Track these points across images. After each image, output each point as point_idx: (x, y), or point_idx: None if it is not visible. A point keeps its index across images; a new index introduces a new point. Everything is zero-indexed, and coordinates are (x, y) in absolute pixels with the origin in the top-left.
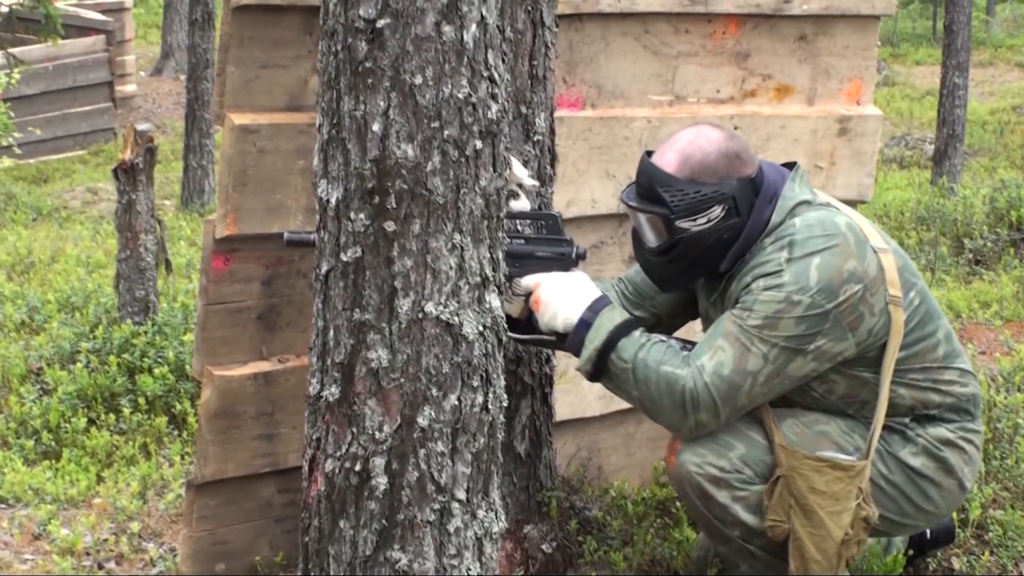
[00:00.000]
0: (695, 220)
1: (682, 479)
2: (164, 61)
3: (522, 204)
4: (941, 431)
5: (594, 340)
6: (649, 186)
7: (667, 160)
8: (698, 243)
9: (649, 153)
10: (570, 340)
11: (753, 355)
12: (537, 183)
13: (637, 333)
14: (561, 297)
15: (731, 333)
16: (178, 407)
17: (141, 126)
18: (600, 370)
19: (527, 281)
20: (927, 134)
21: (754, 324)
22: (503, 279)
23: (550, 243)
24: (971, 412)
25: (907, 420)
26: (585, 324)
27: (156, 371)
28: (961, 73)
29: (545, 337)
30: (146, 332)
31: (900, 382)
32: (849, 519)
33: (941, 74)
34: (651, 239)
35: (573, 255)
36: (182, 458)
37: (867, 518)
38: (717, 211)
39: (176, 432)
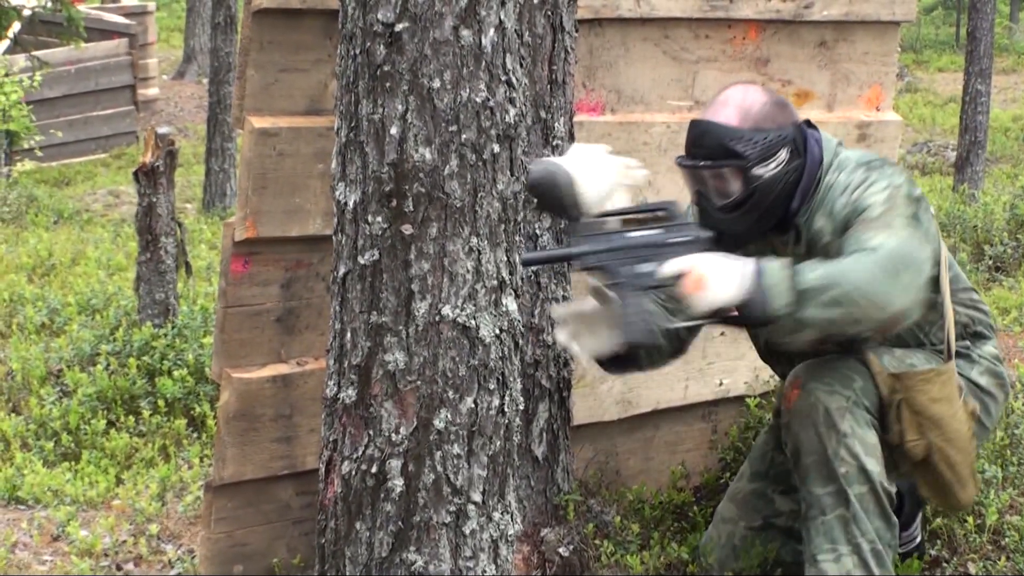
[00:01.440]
0: (767, 165)
1: (810, 408)
2: (186, 64)
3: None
4: (990, 348)
5: (777, 277)
6: (717, 143)
7: (727, 115)
8: (771, 188)
9: (692, 121)
10: (752, 298)
11: (897, 227)
12: (646, 173)
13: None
14: (722, 268)
15: (868, 228)
16: (197, 409)
17: (162, 129)
18: (800, 299)
19: (673, 267)
20: (949, 141)
21: (879, 212)
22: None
23: (678, 229)
24: (995, 328)
25: (967, 342)
26: (759, 273)
27: (175, 373)
28: (983, 80)
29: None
30: (166, 335)
31: (954, 300)
32: (965, 415)
33: (963, 81)
34: (725, 195)
35: (705, 236)
36: (201, 460)
37: (973, 411)
38: (783, 154)
39: (195, 434)
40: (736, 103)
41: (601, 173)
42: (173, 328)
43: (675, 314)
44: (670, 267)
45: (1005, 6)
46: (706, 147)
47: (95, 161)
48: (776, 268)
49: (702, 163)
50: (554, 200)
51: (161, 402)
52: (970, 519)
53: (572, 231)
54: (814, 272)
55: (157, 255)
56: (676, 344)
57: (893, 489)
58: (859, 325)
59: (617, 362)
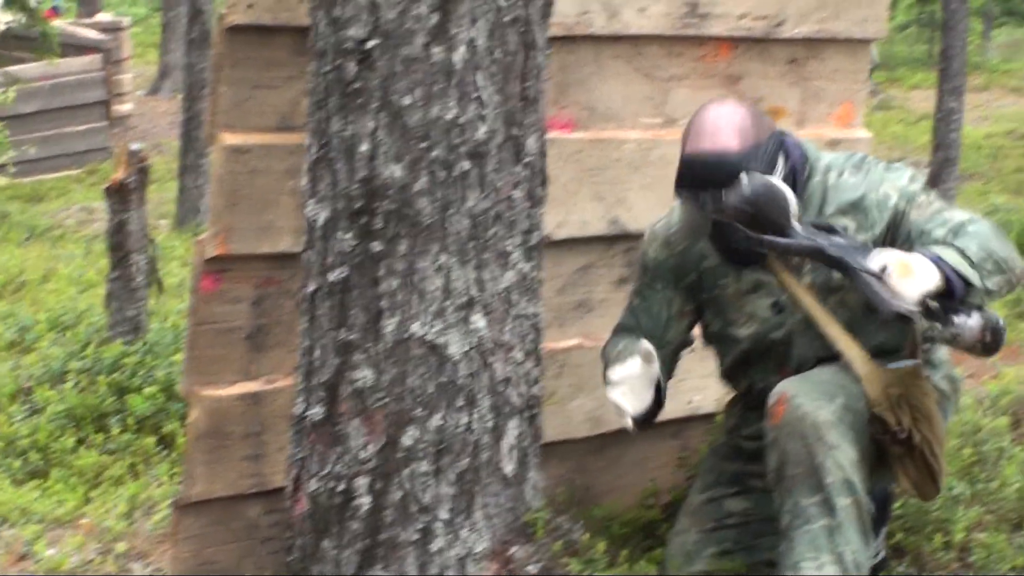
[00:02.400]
0: (774, 175)
1: (797, 420)
2: (161, 80)
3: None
4: (943, 352)
5: (954, 258)
6: (730, 171)
7: (727, 140)
8: None
9: (686, 155)
10: (952, 279)
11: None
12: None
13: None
14: (915, 258)
15: (941, 209)
16: (167, 427)
17: (134, 146)
18: (980, 272)
19: (879, 260)
20: (922, 158)
21: (932, 197)
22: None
23: (848, 237)
24: None
25: (927, 345)
26: (939, 258)
27: (146, 391)
28: (956, 97)
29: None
30: (136, 352)
31: None
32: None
33: (936, 98)
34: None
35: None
36: (170, 478)
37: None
38: (780, 160)
39: (165, 452)
40: (729, 126)
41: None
42: (144, 345)
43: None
44: (876, 260)
45: (978, 24)
46: (721, 178)
47: (69, 177)
48: (946, 251)
49: (724, 201)
50: (778, 210)
51: (131, 420)
52: (937, 536)
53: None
54: (968, 248)
55: (128, 272)
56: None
57: (872, 508)
58: (1009, 287)
59: (648, 419)
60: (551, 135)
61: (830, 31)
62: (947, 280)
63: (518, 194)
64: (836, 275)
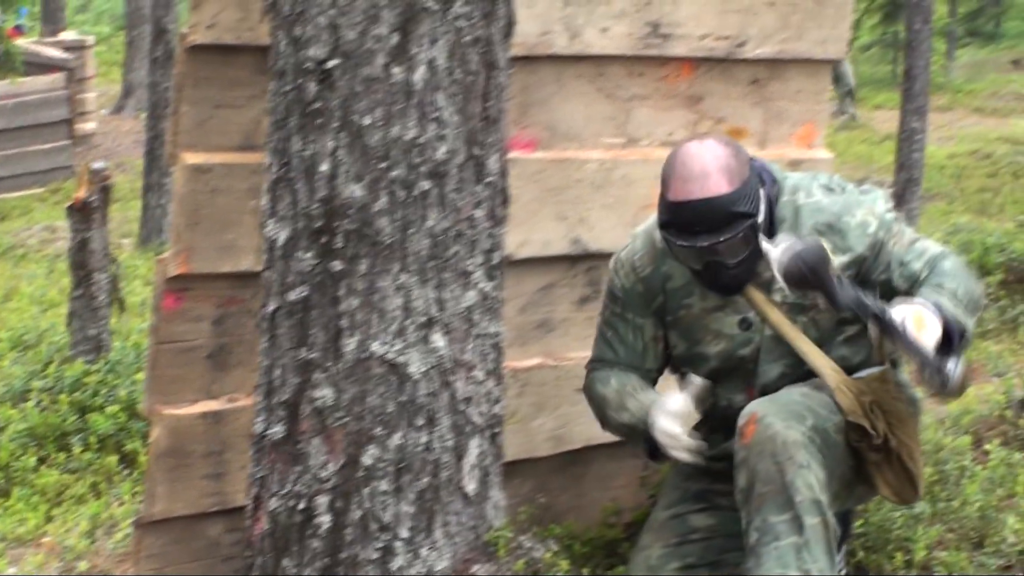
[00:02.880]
0: (760, 210)
1: (767, 440)
2: (125, 99)
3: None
4: (904, 373)
5: (949, 304)
6: (724, 214)
7: (718, 184)
8: (761, 228)
9: (675, 202)
10: (951, 326)
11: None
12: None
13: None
14: (921, 309)
15: (913, 240)
16: (129, 446)
17: (96, 164)
18: (965, 315)
19: (900, 314)
20: (886, 178)
21: (904, 226)
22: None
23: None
24: None
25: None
26: (938, 304)
27: (107, 410)
28: (919, 117)
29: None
30: (98, 371)
31: None
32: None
33: (900, 118)
34: (738, 254)
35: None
36: (132, 497)
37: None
38: (762, 193)
39: (127, 471)
40: (714, 168)
41: None
42: (106, 364)
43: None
44: (898, 314)
45: (941, 44)
46: (715, 221)
47: (32, 196)
48: (942, 298)
49: (723, 238)
50: (826, 269)
51: (93, 438)
52: (899, 554)
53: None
54: (957, 292)
55: (90, 291)
56: None
57: (837, 529)
58: (977, 321)
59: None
60: (513, 155)
61: (792, 52)
62: (946, 328)
63: (479, 214)
64: (809, 295)
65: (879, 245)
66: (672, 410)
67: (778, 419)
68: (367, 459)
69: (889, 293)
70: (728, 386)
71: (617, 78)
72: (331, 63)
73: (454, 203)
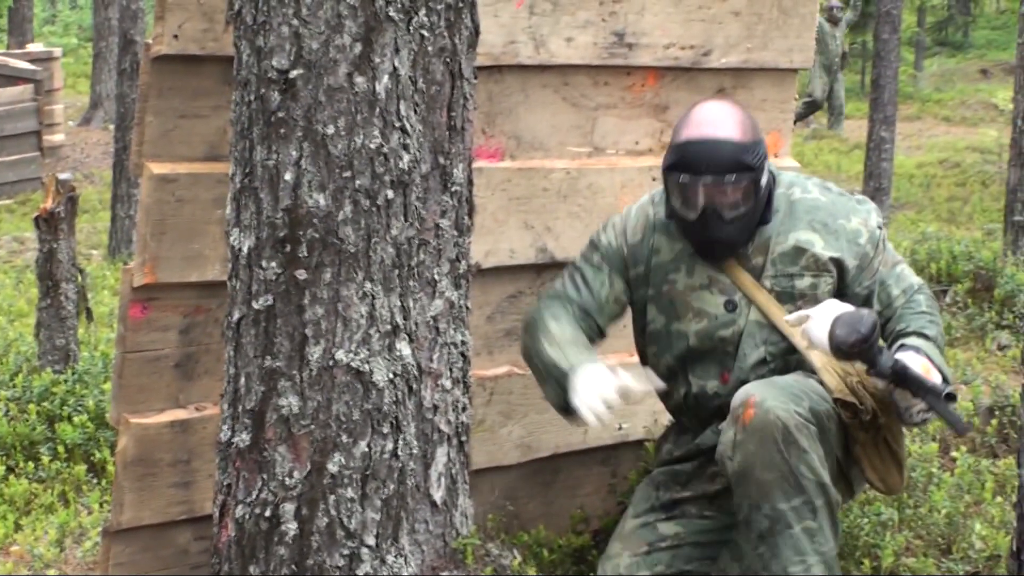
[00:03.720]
0: (764, 175)
1: (767, 424)
2: (93, 111)
3: None
4: None
5: (938, 358)
6: (732, 158)
7: (731, 130)
8: (763, 196)
9: (687, 140)
10: (944, 373)
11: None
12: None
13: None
14: (924, 360)
15: (897, 265)
16: (97, 455)
17: (63, 175)
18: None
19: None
20: (855, 187)
21: (890, 248)
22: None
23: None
24: None
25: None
26: (932, 359)
27: (76, 419)
28: (888, 127)
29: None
30: (66, 381)
31: None
32: None
33: (868, 128)
34: (735, 207)
35: None
36: (100, 506)
37: None
38: (767, 164)
39: (95, 480)
40: (732, 117)
41: None
42: (74, 374)
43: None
44: (914, 364)
45: (910, 54)
46: (723, 163)
47: (0, 207)
48: (932, 349)
49: (727, 177)
50: (877, 338)
51: (61, 448)
52: (866, 561)
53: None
54: (939, 338)
55: (58, 301)
56: None
57: (839, 499)
58: None
59: None
60: (479, 164)
61: (757, 61)
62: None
63: (445, 223)
64: (799, 284)
65: (866, 260)
66: (604, 371)
67: (778, 403)
68: (333, 467)
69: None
70: (703, 370)
71: (583, 87)
72: (294, 73)
73: (418, 212)
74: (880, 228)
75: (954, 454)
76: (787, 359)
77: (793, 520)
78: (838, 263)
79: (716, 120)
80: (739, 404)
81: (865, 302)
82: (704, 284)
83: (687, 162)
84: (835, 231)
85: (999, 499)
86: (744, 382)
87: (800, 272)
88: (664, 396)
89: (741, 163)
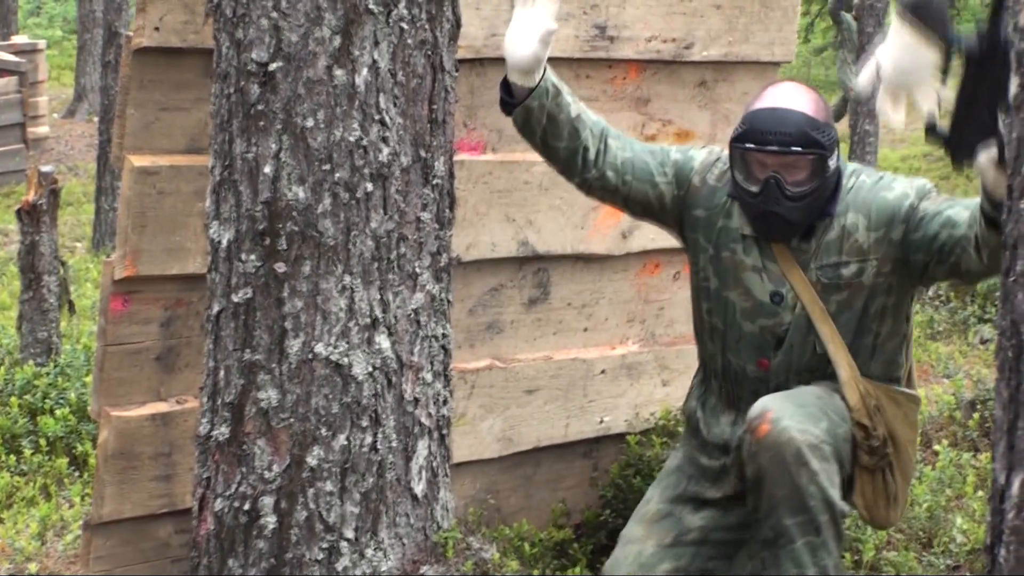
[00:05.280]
0: (833, 159)
1: (781, 444)
2: (77, 103)
3: None
4: None
5: None
6: (802, 131)
7: (806, 105)
8: (830, 182)
9: (759, 108)
10: None
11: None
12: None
13: None
14: None
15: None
16: (79, 448)
17: (45, 168)
18: None
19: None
20: None
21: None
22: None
23: None
24: None
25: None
26: None
27: (58, 412)
28: (871, 120)
29: None
30: (48, 373)
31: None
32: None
33: (851, 121)
34: (798, 183)
35: None
36: (82, 499)
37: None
38: (838, 151)
39: (77, 473)
40: (806, 95)
41: None
42: (56, 367)
43: None
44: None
45: None
46: (793, 134)
47: None
48: None
49: (793, 148)
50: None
51: (43, 441)
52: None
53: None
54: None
55: (40, 294)
56: None
57: (847, 508)
58: None
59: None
60: (460, 157)
61: (739, 54)
62: None
63: (426, 216)
64: (845, 273)
65: (915, 214)
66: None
67: (793, 422)
68: (312, 460)
69: (931, 251)
70: (744, 352)
71: (564, 80)
72: (273, 65)
73: (398, 205)
74: (929, 187)
75: (936, 448)
76: (823, 367)
77: (796, 535)
78: (883, 241)
79: (790, 95)
80: (756, 417)
81: (929, 248)
82: (757, 267)
83: (756, 131)
84: (880, 207)
85: (980, 493)
86: (783, 372)
87: (845, 260)
88: (705, 351)
89: (809, 137)
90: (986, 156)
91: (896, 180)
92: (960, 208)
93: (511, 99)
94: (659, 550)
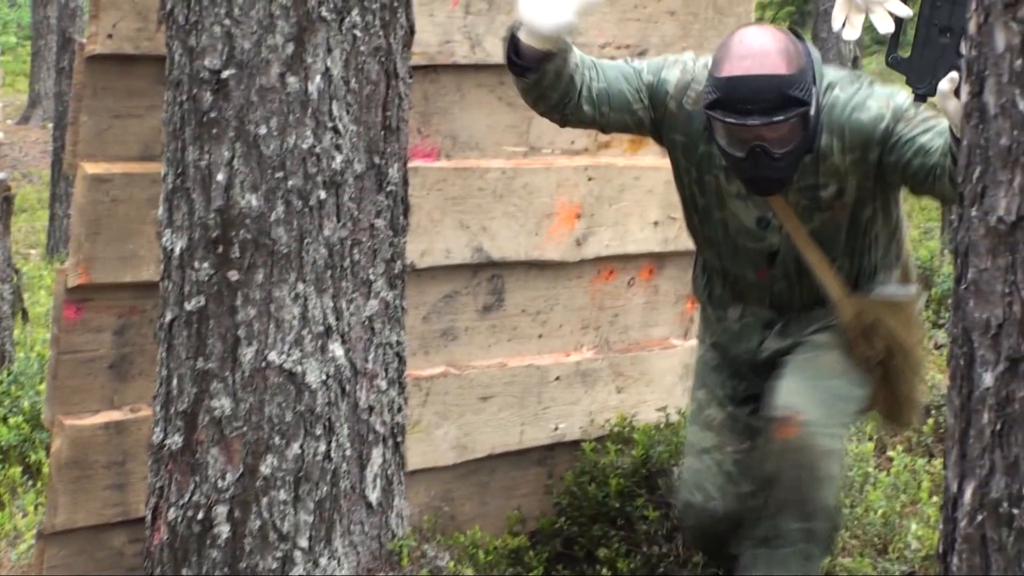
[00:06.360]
0: (812, 103)
1: (804, 450)
2: (32, 109)
3: None
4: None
5: None
6: (779, 94)
7: (775, 64)
8: (812, 127)
9: (730, 76)
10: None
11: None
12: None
13: None
14: None
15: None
16: (33, 457)
17: None
18: None
19: None
20: None
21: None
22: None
23: None
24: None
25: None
26: None
27: (11, 421)
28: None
29: None
30: (1, 382)
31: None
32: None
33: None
34: (785, 143)
35: None
36: (36, 508)
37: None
38: (814, 88)
39: (31, 482)
40: (774, 49)
41: None
42: (9, 375)
43: None
44: None
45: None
46: (769, 100)
47: None
48: None
49: (776, 118)
50: None
51: None
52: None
53: None
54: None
55: None
56: None
57: (841, 524)
58: None
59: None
60: (414, 164)
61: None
62: None
63: (380, 223)
64: (823, 195)
65: (890, 135)
66: None
67: (820, 427)
68: (265, 469)
69: (906, 176)
70: (742, 264)
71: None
72: (226, 73)
73: (352, 212)
74: (906, 106)
75: (890, 453)
76: (813, 286)
77: (794, 541)
78: (860, 162)
79: (760, 52)
80: (784, 416)
81: (903, 173)
82: (741, 194)
83: (732, 103)
84: (854, 130)
85: (935, 499)
86: (782, 279)
87: (824, 182)
88: (702, 252)
89: (790, 98)
90: (948, 85)
91: (871, 96)
92: (934, 134)
93: (519, 59)
94: (741, 456)
